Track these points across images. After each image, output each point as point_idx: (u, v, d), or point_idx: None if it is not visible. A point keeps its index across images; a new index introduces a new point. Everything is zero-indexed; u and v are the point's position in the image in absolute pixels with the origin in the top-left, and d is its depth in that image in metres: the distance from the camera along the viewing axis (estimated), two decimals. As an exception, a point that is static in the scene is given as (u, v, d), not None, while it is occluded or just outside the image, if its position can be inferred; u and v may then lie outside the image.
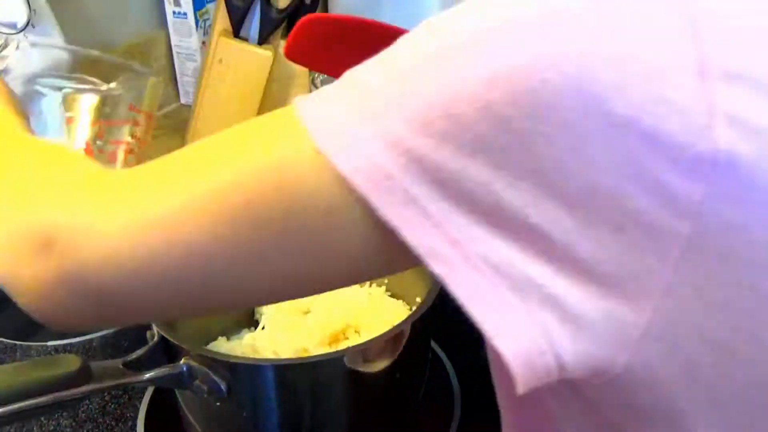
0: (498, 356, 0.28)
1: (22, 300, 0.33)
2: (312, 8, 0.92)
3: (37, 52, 0.66)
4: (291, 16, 0.91)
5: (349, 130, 0.28)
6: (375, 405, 0.56)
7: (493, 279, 0.28)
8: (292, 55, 0.63)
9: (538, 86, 0.26)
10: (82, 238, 0.31)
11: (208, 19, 1.07)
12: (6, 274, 0.33)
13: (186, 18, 1.05)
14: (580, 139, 0.26)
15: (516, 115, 0.26)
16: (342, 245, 0.30)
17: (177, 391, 0.57)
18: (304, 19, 0.61)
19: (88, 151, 0.58)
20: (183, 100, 1.14)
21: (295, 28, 0.61)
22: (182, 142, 0.99)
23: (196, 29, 1.05)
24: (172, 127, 1.10)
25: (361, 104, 0.29)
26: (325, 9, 1.41)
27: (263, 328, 0.63)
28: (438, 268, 0.28)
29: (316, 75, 0.89)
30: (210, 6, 1.07)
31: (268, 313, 0.64)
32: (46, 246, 0.32)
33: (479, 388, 0.60)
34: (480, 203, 0.27)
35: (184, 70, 1.10)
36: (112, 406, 0.62)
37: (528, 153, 0.27)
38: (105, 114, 0.63)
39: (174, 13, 1.05)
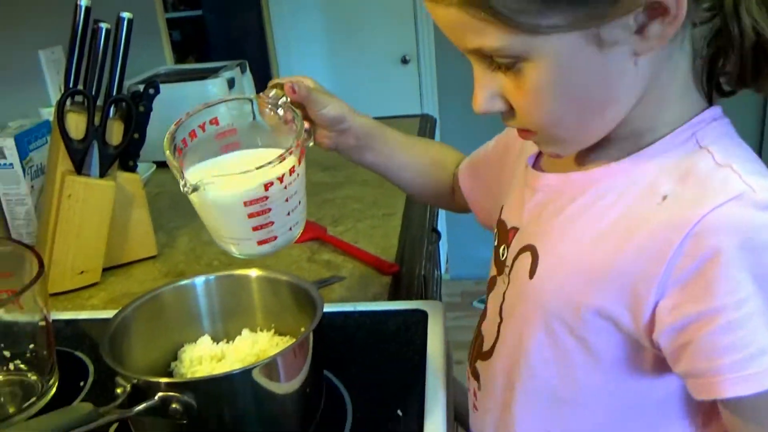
0: None
1: None
2: (140, 142, 1.11)
3: None
4: (124, 150, 1.09)
5: None
6: (286, 419, 0.73)
7: None
8: None
9: None
10: None
11: (33, 166, 1.19)
12: None
13: (13, 168, 1.16)
14: None
15: None
16: None
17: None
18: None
19: None
20: (17, 242, 1.22)
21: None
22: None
23: (24, 176, 1.17)
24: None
25: None
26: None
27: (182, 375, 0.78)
28: None
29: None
30: (33, 154, 1.20)
31: (185, 366, 0.79)
32: None
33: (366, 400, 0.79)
34: None
35: (15, 214, 1.19)
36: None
37: None
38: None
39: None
